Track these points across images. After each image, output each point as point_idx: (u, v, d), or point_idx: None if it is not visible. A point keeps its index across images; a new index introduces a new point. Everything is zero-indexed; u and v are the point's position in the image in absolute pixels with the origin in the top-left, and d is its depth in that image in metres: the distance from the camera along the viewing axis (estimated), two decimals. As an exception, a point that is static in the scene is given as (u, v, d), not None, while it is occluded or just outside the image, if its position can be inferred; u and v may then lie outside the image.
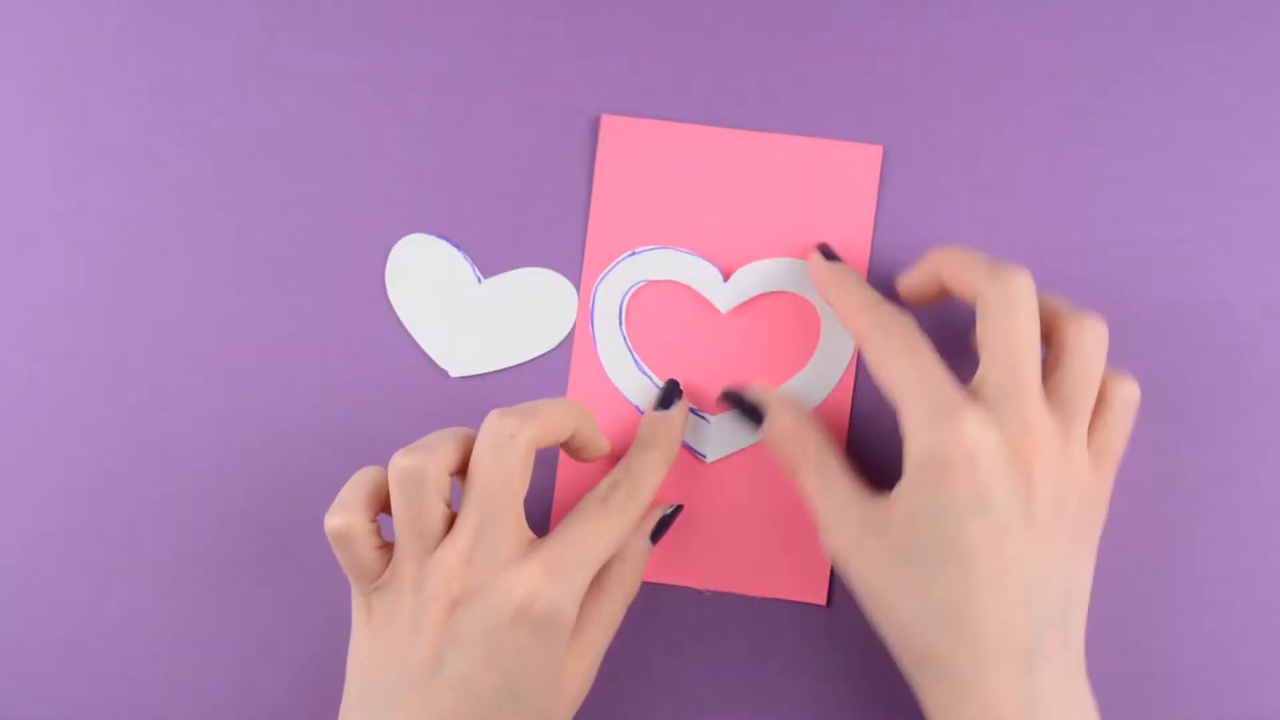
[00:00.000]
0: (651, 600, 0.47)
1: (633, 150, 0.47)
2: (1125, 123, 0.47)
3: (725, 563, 0.46)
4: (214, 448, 0.48)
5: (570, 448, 0.43)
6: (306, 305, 0.48)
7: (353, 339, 0.48)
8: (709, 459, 0.46)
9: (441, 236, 0.47)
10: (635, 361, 0.47)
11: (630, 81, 0.47)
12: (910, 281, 0.43)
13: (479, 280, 0.47)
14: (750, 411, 0.44)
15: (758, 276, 0.46)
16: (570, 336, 0.47)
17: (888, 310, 0.41)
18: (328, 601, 0.47)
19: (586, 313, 0.47)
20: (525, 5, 0.48)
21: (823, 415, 0.46)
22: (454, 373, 0.47)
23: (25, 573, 0.48)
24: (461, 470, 0.41)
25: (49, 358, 0.48)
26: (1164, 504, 0.46)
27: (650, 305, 0.47)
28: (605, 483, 0.42)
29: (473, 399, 0.47)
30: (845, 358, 0.46)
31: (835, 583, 0.46)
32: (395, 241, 0.47)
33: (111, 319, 0.48)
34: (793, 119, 0.47)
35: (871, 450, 0.47)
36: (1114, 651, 0.46)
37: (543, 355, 0.47)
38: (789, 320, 0.46)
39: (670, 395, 0.45)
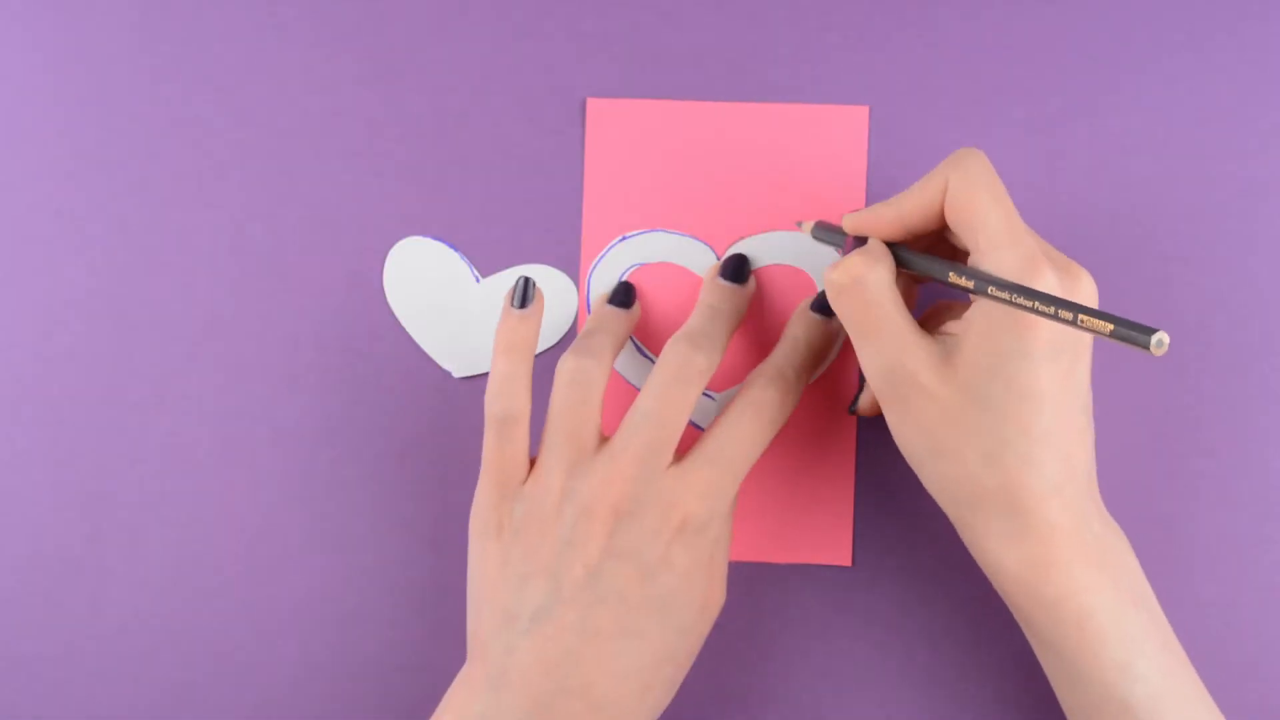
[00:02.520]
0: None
1: (621, 132, 0.47)
2: (1125, 122, 0.47)
3: (747, 533, 0.46)
4: (214, 448, 0.48)
5: None
6: (306, 305, 0.48)
7: (353, 339, 0.48)
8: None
9: (438, 238, 0.47)
10: (634, 344, 0.47)
11: (616, 64, 0.48)
12: (866, 228, 0.41)
13: (478, 280, 0.47)
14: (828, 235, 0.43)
15: (751, 251, 0.47)
16: (572, 331, 0.47)
17: (964, 152, 0.39)
18: (328, 601, 0.47)
19: (583, 300, 0.47)
20: (516, 3, 0.48)
21: (825, 385, 0.46)
22: (457, 373, 0.47)
23: (25, 573, 0.48)
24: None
25: (49, 358, 0.48)
26: (1164, 504, 0.46)
27: (645, 286, 0.47)
28: (755, 390, 0.42)
29: (475, 399, 0.47)
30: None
31: (858, 542, 0.46)
32: (395, 242, 0.47)
33: (111, 319, 0.48)
34: (778, 88, 0.47)
35: (875, 422, 0.47)
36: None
37: (546, 351, 0.47)
38: (786, 292, 0.47)
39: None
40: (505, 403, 0.42)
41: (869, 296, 0.39)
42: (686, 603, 0.40)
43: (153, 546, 0.48)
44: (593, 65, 0.48)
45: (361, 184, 0.48)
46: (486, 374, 0.47)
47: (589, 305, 0.47)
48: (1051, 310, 0.35)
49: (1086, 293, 0.38)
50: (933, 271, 0.39)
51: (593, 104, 0.47)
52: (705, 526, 0.40)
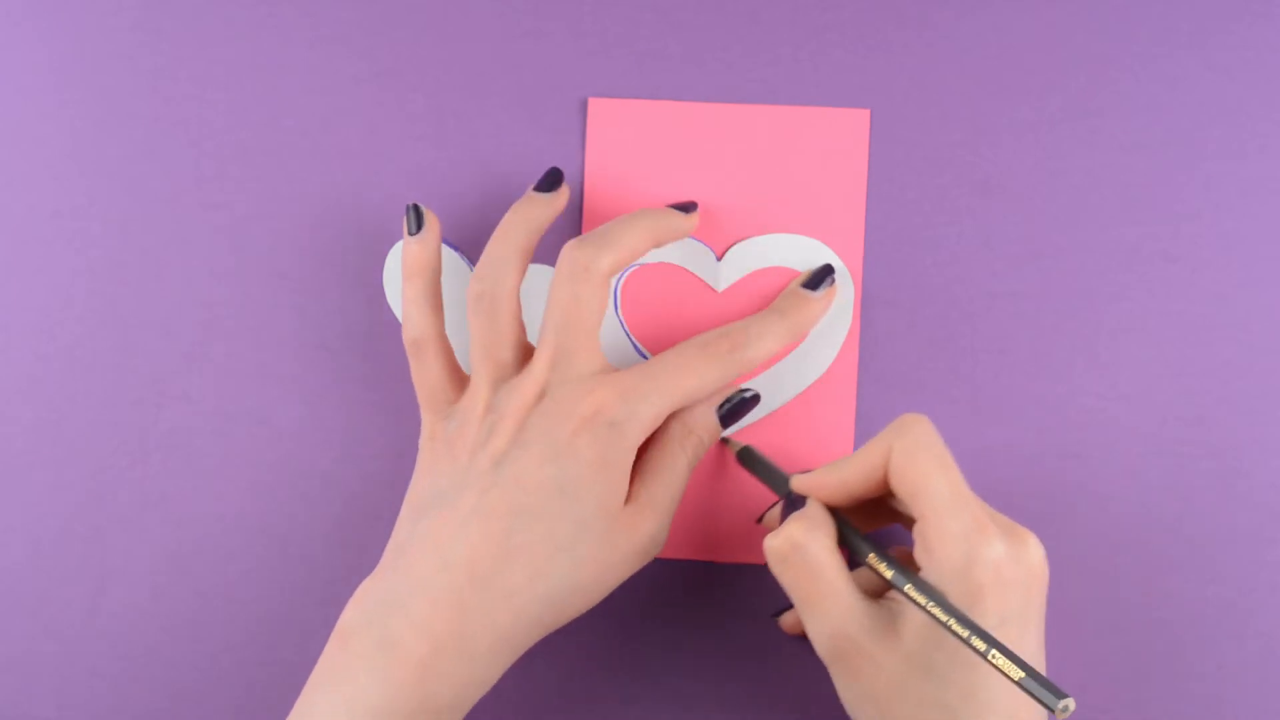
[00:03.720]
0: (673, 577, 0.47)
1: (621, 132, 0.47)
2: (1125, 122, 0.47)
3: (747, 535, 0.46)
4: (214, 448, 0.48)
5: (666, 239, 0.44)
6: (306, 305, 0.48)
7: (353, 339, 0.48)
8: (724, 432, 0.47)
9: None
10: (634, 345, 0.47)
11: (616, 64, 0.48)
12: (813, 490, 0.41)
13: (479, 280, 0.47)
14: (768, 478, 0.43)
15: (752, 253, 0.47)
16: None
17: (908, 418, 0.39)
18: (327, 601, 0.47)
19: None
20: (517, 2, 0.48)
21: (825, 388, 0.46)
22: (454, 373, 0.47)
23: (25, 572, 0.48)
24: None
25: (49, 357, 0.48)
26: (1164, 504, 0.46)
27: (645, 288, 0.47)
28: (713, 332, 0.43)
29: (472, 399, 0.47)
30: (843, 328, 0.46)
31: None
32: (394, 242, 0.47)
33: (111, 319, 0.48)
34: (780, 90, 0.47)
35: (876, 424, 0.47)
36: (1115, 650, 0.46)
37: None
38: None
39: (822, 276, 0.45)
40: (411, 327, 0.43)
41: (811, 565, 0.39)
42: (588, 494, 0.40)
43: (153, 546, 0.48)
44: (593, 65, 0.48)
45: (361, 184, 0.48)
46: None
47: None
48: (965, 635, 0.35)
49: (1034, 557, 0.38)
50: (860, 554, 0.39)
51: (594, 104, 0.47)
52: (619, 424, 0.40)
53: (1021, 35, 0.47)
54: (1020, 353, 0.47)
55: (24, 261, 0.48)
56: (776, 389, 0.46)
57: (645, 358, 0.47)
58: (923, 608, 0.36)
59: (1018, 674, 0.34)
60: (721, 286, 0.47)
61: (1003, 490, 0.46)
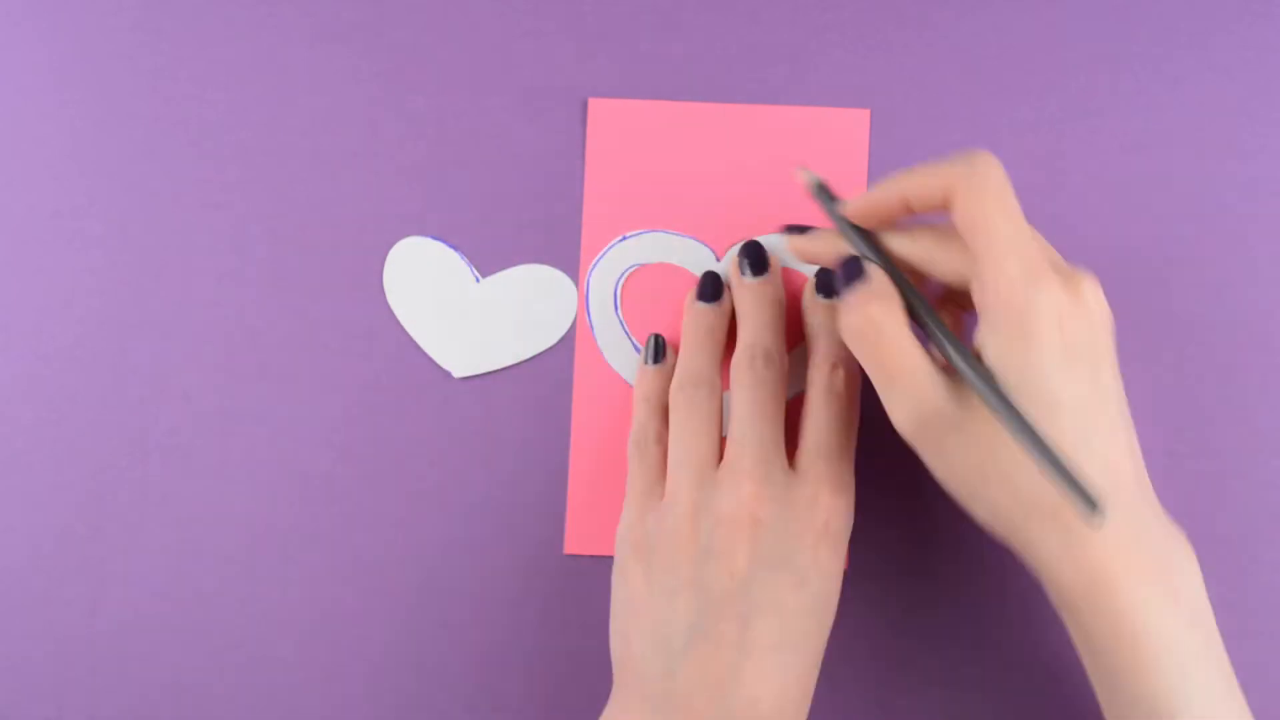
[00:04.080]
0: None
1: (622, 132, 0.47)
2: (1125, 123, 0.47)
3: None
4: (214, 448, 0.48)
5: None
6: (306, 305, 0.48)
7: (353, 339, 0.48)
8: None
9: (438, 238, 0.47)
10: (634, 345, 0.47)
11: (616, 64, 0.48)
12: (867, 204, 0.41)
13: (477, 280, 0.47)
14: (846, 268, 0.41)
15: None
16: (572, 331, 0.47)
17: (978, 156, 0.38)
18: (327, 600, 0.47)
19: (582, 300, 0.47)
20: (517, 2, 0.48)
21: None
22: (456, 373, 0.47)
23: (25, 573, 0.48)
24: None
25: (49, 357, 0.48)
26: (1163, 503, 0.46)
27: (645, 289, 0.47)
28: (817, 381, 0.42)
29: (475, 399, 0.47)
30: None
31: (857, 544, 0.46)
32: (394, 242, 0.47)
33: (111, 319, 0.48)
34: (780, 90, 0.47)
35: (876, 424, 0.47)
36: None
37: (545, 351, 0.47)
38: (786, 294, 0.47)
39: (828, 279, 0.45)
40: (641, 430, 0.44)
41: (890, 342, 0.38)
42: (830, 603, 0.40)
43: (153, 546, 0.48)
44: (593, 65, 0.48)
45: (361, 184, 0.48)
46: (486, 373, 0.47)
47: (589, 305, 0.47)
48: (1012, 424, 0.35)
49: (1091, 299, 0.38)
50: (930, 332, 0.39)
51: (594, 104, 0.47)
52: (845, 526, 0.41)
53: (1021, 35, 0.47)
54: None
55: (24, 261, 0.48)
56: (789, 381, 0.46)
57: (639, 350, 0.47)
58: (975, 387, 0.36)
59: (1051, 473, 0.33)
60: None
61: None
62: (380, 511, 0.47)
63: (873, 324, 0.38)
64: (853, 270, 0.40)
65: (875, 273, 0.40)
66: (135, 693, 0.47)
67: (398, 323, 0.47)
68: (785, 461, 0.41)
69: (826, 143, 0.47)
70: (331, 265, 0.48)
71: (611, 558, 0.46)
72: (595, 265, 0.47)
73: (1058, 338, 0.36)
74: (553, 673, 0.47)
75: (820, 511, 0.40)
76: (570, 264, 0.47)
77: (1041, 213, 0.47)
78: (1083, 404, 0.37)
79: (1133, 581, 0.37)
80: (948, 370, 0.39)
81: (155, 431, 0.48)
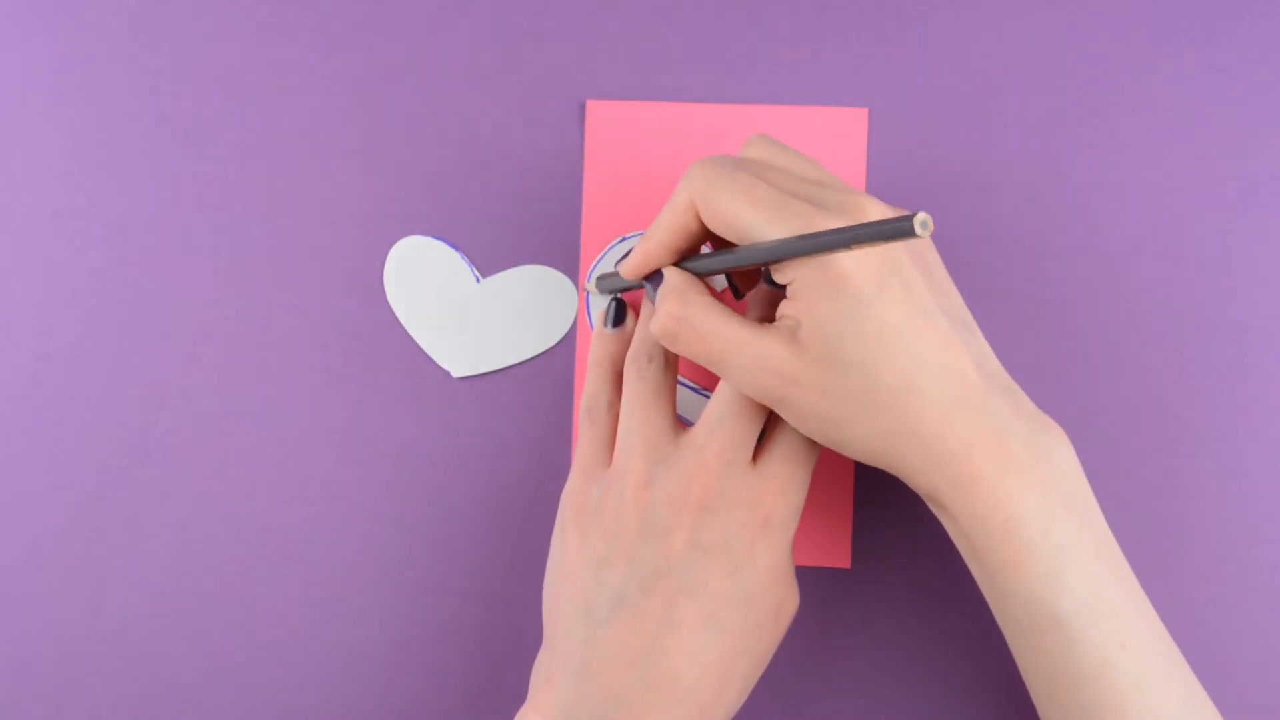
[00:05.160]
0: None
1: (621, 133, 0.47)
2: (1125, 122, 0.47)
3: None
4: (214, 448, 0.48)
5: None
6: (306, 305, 0.48)
7: (353, 339, 0.48)
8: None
9: (438, 238, 0.47)
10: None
11: (615, 65, 0.48)
12: (641, 262, 0.42)
13: (477, 280, 0.47)
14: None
15: (750, 253, 0.46)
16: (572, 331, 0.47)
17: (692, 167, 0.39)
18: (327, 600, 0.47)
19: (582, 300, 0.47)
20: (517, 3, 0.48)
21: None
22: (456, 373, 0.47)
23: (25, 573, 0.48)
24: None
25: (49, 358, 0.48)
26: (1164, 504, 0.46)
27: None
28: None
29: (474, 398, 0.47)
30: None
31: (857, 545, 0.46)
32: (394, 242, 0.47)
33: (111, 319, 0.48)
34: (778, 90, 0.47)
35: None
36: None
37: (545, 351, 0.47)
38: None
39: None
40: (591, 397, 0.43)
41: (703, 328, 0.39)
42: (765, 600, 0.40)
43: (153, 546, 0.48)
44: (593, 66, 0.48)
45: (361, 184, 0.48)
46: (486, 373, 0.47)
47: (588, 305, 0.47)
48: (823, 244, 0.34)
49: (874, 211, 0.37)
50: (723, 264, 0.39)
51: (592, 106, 0.47)
52: (786, 524, 0.40)
53: (1021, 35, 0.47)
54: (1020, 352, 0.47)
55: (24, 261, 0.48)
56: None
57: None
58: (783, 257, 0.36)
59: (877, 242, 0.33)
60: (721, 286, 0.47)
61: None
62: (380, 511, 0.47)
63: (680, 319, 0.39)
64: (651, 282, 0.41)
65: (666, 273, 0.40)
66: (135, 693, 0.47)
67: (398, 323, 0.47)
68: (750, 456, 0.40)
69: (825, 142, 0.47)
70: (331, 265, 0.48)
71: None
72: (595, 265, 0.47)
73: (856, 266, 0.36)
74: (553, 673, 0.47)
75: (764, 507, 0.40)
76: (570, 264, 0.47)
77: (1041, 213, 0.47)
78: (905, 320, 0.36)
79: (994, 474, 0.37)
80: (768, 323, 0.39)
81: (155, 432, 0.48)
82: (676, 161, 0.47)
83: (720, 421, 0.40)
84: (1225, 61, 0.47)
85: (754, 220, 0.37)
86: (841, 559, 0.46)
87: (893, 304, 0.37)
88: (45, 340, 0.48)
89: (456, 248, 0.47)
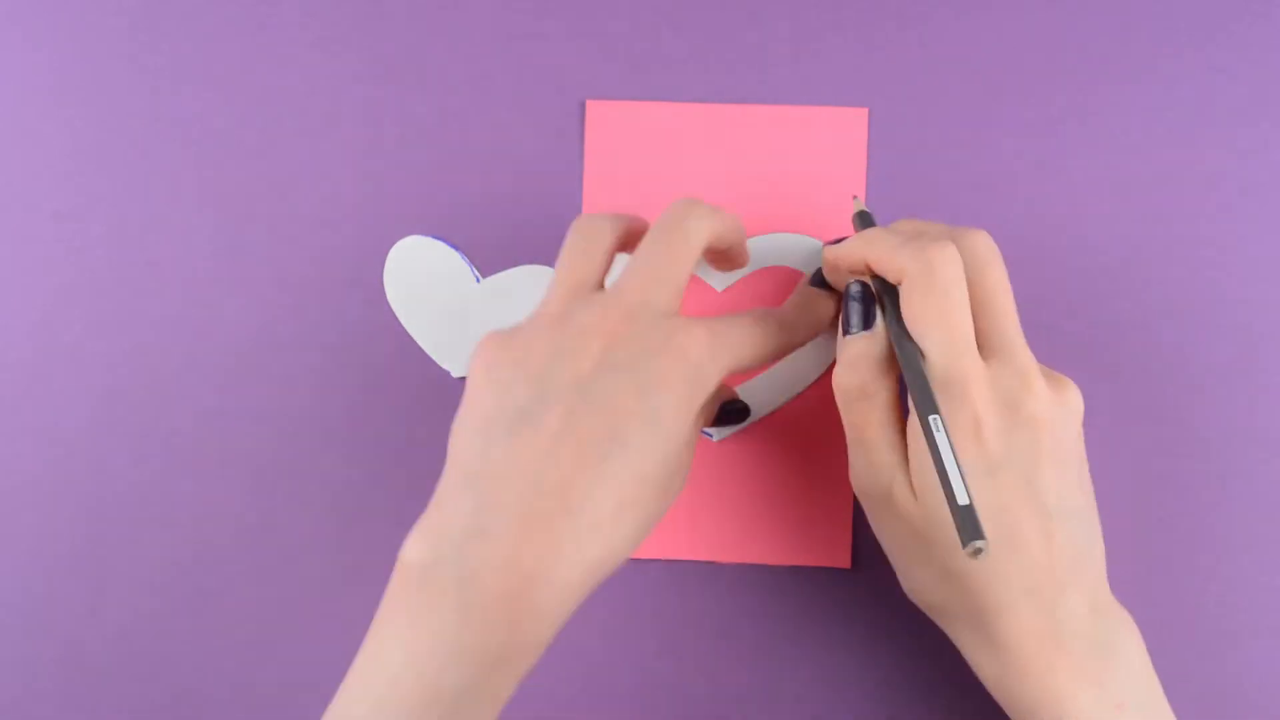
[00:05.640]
0: (674, 577, 0.47)
1: (620, 134, 0.47)
2: (1125, 122, 0.47)
3: (746, 536, 0.46)
4: (214, 448, 0.48)
5: (723, 256, 0.44)
6: (306, 305, 0.48)
7: (353, 339, 0.48)
8: (715, 438, 0.46)
9: (438, 238, 0.47)
10: None
11: (615, 65, 0.48)
12: (836, 259, 0.42)
13: (478, 280, 0.47)
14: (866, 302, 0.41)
15: (751, 253, 0.46)
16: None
17: (917, 248, 0.39)
18: (327, 600, 0.47)
19: None
20: (516, 4, 0.48)
21: (828, 386, 0.46)
22: (456, 372, 0.47)
23: (26, 573, 0.48)
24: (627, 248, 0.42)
25: (49, 357, 0.48)
26: (1163, 504, 0.46)
27: None
28: (759, 310, 0.42)
29: (472, 399, 0.47)
30: None
31: (858, 544, 0.46)
32: (394, 242, 0.47)
33: (111, 319, 0.48)
34: (778, 90, 0.47)
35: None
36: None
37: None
38: (785, 295, 0.47)
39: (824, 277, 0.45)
40: (599, 217, 0.42)
41: (874, 412, 0.40)
42: (675, 432, 0.38)
43: (153, 546, 0.48)
44: (593, 66, 0.48)
45: (361, 184, 0.48)
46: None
47: None
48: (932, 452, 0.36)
49: (1073, 403, 0.39)
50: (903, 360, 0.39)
51: (592, 106, 0.47)
52: (705, 369, 0.39)
53: (1021, 35, 0.47)
54: (1020, 353, 0.47)
55: (24, 261, 0.48)
56: (776, 390, 0.46)
57: None
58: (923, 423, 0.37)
59: (956, 504, 0.34)
60: (721, 286, 0.47)
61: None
62: (381, 511, 0.47)
63: (866, 393, 0.40)
64: (867, 317, 0.41)
65: (880, 338, 0.40)
66: (135, 693, 0.47)
67: (398, 323, 0.47)
68: (676, 308, 0.39)
69: (825, 142, 0.47)
70: (331, 265, 0.48)
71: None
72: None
73: (975, 448, 0.37)
74: (553, 673, 0.47)
75: (680, 336, 0.38)
76: (570, 264, 0.47)
77: (1042, 213, 0.47)
78: (1009, 507, 0.37)
79: (1051, 674, 0.37)
80: (903, 452, 0.40)
81: (155, 431, 0.48)
82: (676, 161, 0.47)
83: (637, 270, 0.39)
84: (1225, 61, 0.47)
85: (935, 348, 0.38)
86: (841, 559, 0.46)
87: (1005, 489, 0.37)
88: (45, 340, 0.48)
89: (456, 248, 0.47)
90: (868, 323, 0.40)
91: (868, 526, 0.47)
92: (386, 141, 0.48)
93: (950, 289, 0.38)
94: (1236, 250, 0.46)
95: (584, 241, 0.41)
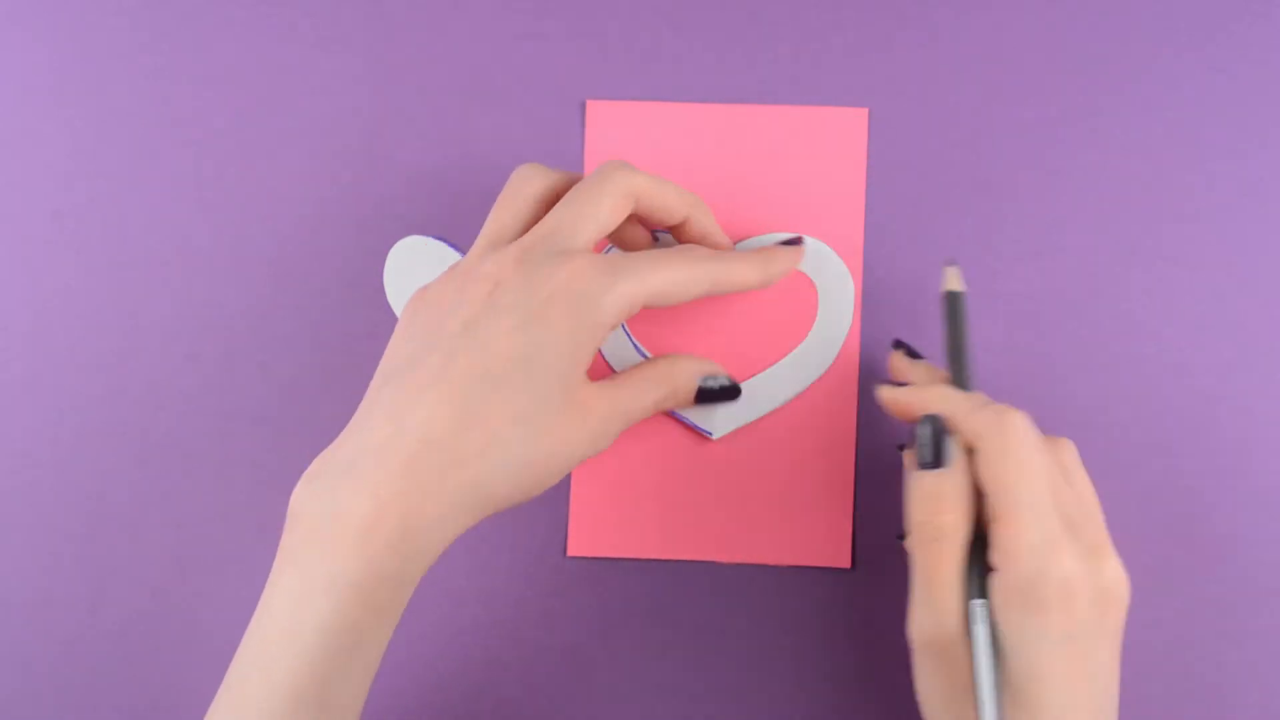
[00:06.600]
0: (674, 577, 0.47)
1: (620, 134, 0.47)
2: (1125, 123, 0.47)
3: (746, 535, 0.46)
4: (214, 447, 0.48)
5: (681, 233, 0.43)
6: (306, 305, 0.48)
7: (353, 339, 0.48)
8: (715, 435, 0.46)
9: (438, 238, 0.47)
10: (635, 346, 0.47)
11: (615, 65, 0.48)
12: (894, 402, 0.42)
13: (479, 280, 0.47)
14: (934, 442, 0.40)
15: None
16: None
17: (997, 410, 0.39)
18: (327, 601, 0.47)
19: None
20: (516, 4, 0.48)
21: (828, 386, 0.46)
22: (454, 373, 0.47)
23: (26, 572, 0.48)
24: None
25: (49, 357, 0.48)
26: (1163, 504, 0.46)
27: None
28: (688, 244, 0.42)
29: (472, 399, 0.47)
30: (843, 328, 0.46)
31: (858, 544, 0.46)
32: (394, 242, 0.47)
33: (111, 319, 0.48)
34: (778, 90, 0.47)
35: (877, 425, 0.47)
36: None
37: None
38: (786, 294, 0.47)
39: (795, 242, 0.45)
40: (543, 171, 0.43)
41: (945, 555, 0.38)
42: (553, 365, 0.39)
43: (153, 546, 0.48)
44: (593, 66, 0.48)
45: (361, 184, 0.48)
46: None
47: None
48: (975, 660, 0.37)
49: (1109, 577, 0.38)
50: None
51: (592, 106, 0.47)
52: (593, 296, 0.39)
53: (1021, 35, 0.47)
54: (1020, 353, 0.47)
55: (24, 261, 0.48)
56: (776, 389, 0.46)
57: (640, 351, 0.47)
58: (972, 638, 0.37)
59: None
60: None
61: (1003, 490, 0.46)
62: (380, 511, 0.47)
63: (943, 536, 0.38)
64: (941, 452, 0.39)
65: (962, 482, 0.39)
66: (135, 692, 0.47)
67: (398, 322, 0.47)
68: (581, 249, 0.40)
69: (825, 142, 0.47)
70: (331, 265, 0.48)
71: (617, 559, 0.47)
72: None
73: (1061, 614, 0.37)
74: (554, 673, 0.47)
75: (567, 268, 0.39)
76: (570, 264, 0.47)
77: (1042, 213, 0.47)
78: (1067, 677, 0.37)
79: None
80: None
81: (155, 431, 0.48)
82: (676, 161, 0.47)
83: (545, 221, 0.40)
84: (1225, 61, 0.47)
85: (1017, 506, 0.38)
86: (841, 559, 0.46)
87: (1067, 659, 0.37)
88: (45, 340, 0.48)
89: (456, 248, 0.47)
90: (940, 458, 0.39)
91: (867, 526, 0.47)
92: (386, 141, 0.48)
93: (1032, 454, 0.38)
94: (1236, 250, 0.46)
95: (509, 193, 0.42)
